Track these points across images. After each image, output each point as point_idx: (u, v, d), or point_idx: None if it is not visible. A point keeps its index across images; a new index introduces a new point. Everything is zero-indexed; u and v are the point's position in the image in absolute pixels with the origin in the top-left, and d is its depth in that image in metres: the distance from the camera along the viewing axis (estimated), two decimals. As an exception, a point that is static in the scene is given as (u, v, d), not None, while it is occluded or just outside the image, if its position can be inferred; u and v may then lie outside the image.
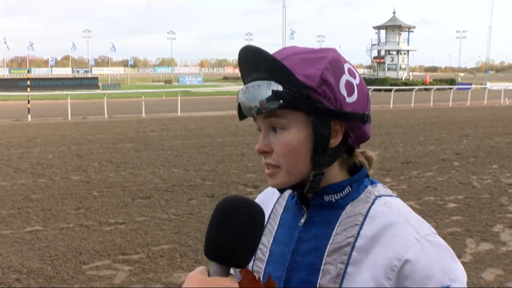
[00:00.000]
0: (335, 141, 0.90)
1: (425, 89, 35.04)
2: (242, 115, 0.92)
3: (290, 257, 0.93)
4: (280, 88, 0.86)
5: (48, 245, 5.09)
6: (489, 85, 42.51)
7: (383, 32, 58.67)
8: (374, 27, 59.92)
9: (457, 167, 9.28)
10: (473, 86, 40.09)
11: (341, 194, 0.92)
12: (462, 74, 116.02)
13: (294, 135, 0.88)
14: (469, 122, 17.84)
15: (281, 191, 0.99)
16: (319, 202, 0.93)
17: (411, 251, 0.81)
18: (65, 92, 22.82)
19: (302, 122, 0.88)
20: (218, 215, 0.81)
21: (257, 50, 0.89)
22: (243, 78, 0.94)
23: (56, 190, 7.41)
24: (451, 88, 33.12)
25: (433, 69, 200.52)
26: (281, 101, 0.86)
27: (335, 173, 0.93)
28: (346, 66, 0.90)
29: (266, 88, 0.86)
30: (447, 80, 52.55)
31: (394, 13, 57.44)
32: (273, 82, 0.86)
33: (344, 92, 0.89)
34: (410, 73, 63.94)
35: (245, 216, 0.80)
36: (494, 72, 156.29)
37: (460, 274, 0.83)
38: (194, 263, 4.67)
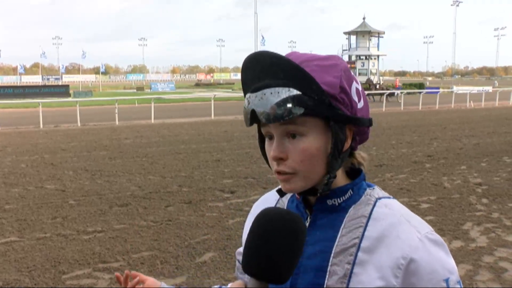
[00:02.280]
0: (346, 145, 0.93)
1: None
2: (252, 121, 0.91)
3: None
4: (300, 95, 0.86)
5: (25, 256, 5.02)
6: (455, 89, 43.74)
7: (353, 37, 59.62)
8: (344, 33, 60.78)
9: (428, 169, 9.55)
10: (441, 90, 41.16)
11: (343, 197, 0.95)
12: (430, 78, 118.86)
13: (312, 142, 0.89)
14: (438, 125, 18.34)
15: (281, 195, 1.01)
16: (322, 206, 0.95)
17: (415, 250, 0.86)
18: (36, 100, 22.33)
19: (320, 128, 0.90)
20: (259, 230, 0.79)
21: (275, 56, 0.88)
22: (248, 84, 0.92)
23: (31, 199, 7.29)
24: (420, 92, 33.92)
25: (402, 73, 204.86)
26: (304, 108, 0.86)
27: (339, 176, 0.96)
28: (352, 74, 0.94)
29: (287, 95, 0.85)
30: (416, 84, 53.68)
31: (364, 18, 58.47)
32: (292, 89, 0.86)
33: (355, 98, 0.93)
34: (381, 78, 65.16)
35: (288, 232, 0.78)
36: (459, 76, 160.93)
37: (454, 266, 0.91)
38: (175, 269, 4.69)
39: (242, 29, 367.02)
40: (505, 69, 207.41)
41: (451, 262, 0.90)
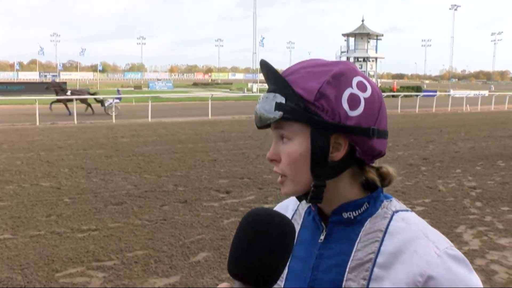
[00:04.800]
0: (338, 154, 0.90)
1: (393, 96, 35.78)
2: (256, 123, 0.98)
3: (310, 274, 0.93)
4: (283, 100, 0.90)
5: (18, 254, 5.01)
6: (452, 92, 43.89)
7: (352, 39, 59.76)
8: (343, 35, 60.90)
9: (424, 172, 9.59)
10: (438, 93, 41.24)
11: (359, 211, 0.93)
12: (427, 82, 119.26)
13: (297, 146, 0.91)
14: (434, 128, 18.39)
15: (299, 199, 1.01)
16: (337, 219, 0.94)
17: (433, 267, 0.83)
18: (33, 97, 22.24)
19: (304, 134, 0.90)
20: (246, 230, 0.77)
21: (266, 65, 0.94)
22: None
23: (26, 197, 7.28)
24: (417, 95, 33.99)
25: (400, 76, 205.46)
26: (282, 112, 0.90)
27: (346, 187, 0.94)
28: (355, 80, 0.90)
29: (272, 100, 0.91)
30: (413, 87, 53.81)
31: (363, 21, 58.61)
32: (278, 95, 0.91)
33: (345, 105, 0.89)
34: (378, 80, 65.35)
35: (277, 233, 0.76)
36: (456, 80, 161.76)
37: (477, 283, 0.85)
38: (169, 268, 4.69)
39: (243, 30, 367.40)
40: (501, 74, 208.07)
41: (474, 279, 0.85)
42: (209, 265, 4.76)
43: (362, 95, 0.90)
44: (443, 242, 0.87)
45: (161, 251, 5.11)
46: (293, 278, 0.96)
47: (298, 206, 1.07)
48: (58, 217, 6.29)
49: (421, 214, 6.57)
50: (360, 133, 0.89)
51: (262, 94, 0.96)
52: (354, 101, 0.89)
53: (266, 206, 6.95)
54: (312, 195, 0.91)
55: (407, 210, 0.93)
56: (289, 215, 1.03)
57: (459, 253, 0.86)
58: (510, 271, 4.72)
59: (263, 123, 0.94)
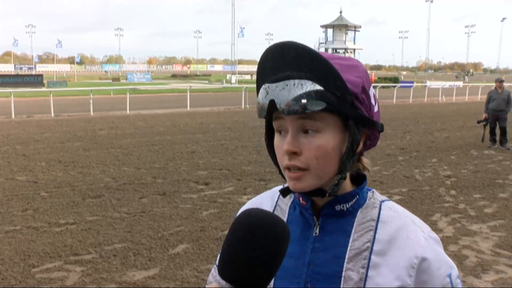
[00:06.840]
0: (359, 147, 0.93)
1: (371, 87, 36.11)
2: (268, 112, 0.88)
3: (306, 269, 0.93)
4: (323, 89, 0.84)
5: (-7, 249, 4.93)
6: (428, 83, 44.58)
7: (330, 31, 60.03)
8: (321, 26, 61.15)
9: (401, 162, 9.75)
10: (415, 84, 41.83)
11: (351, 202, 0.95)
12: (404, 73, 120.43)
13: (329, 139, 0.87)
14: (411, 118, 18.67)
15: (284, 195, 0.98)
16: (330, 211, 0.95)
17: (425, 249, 0.90)
18: (8, 90, 21.75)
19: (337, 126, 0.88)
20: (239, 232, 0.74)
21: (302, 47, 0.85)
22: (266, 74, 0.90)
23: (1, 191, 7.15)
24: (394, 86, 34.40)
25: (378, 67, 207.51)
26: (326, 103, 0.84)
27: (347, 181, 0.96)
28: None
29: (310, 88, 0.83)
30: (391, 78, 54.35)
31: (340, 12, 58.89)
32: (315, 83, 0.84)
33: (373, 100, 0.93)
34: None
35: (271, 235, 0.74)
36: (432, 71, 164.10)
37: (452, 261, 0.95)
38: (147, 261, 4.69)
39: (222, 22, 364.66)
40: (475, 65, 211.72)
41: (449, 258, 0.95)
42: (188, 257, 4.77)
43: (374, 93, 0.96)
44: (425, 226, 0.95)
45: (140, 244, 5.10)
46: (284, 276, 0.93)
47: (277, 202, 1.04)
48: (35, 211, 6.20)
49: (398, 203, 6.60)
50: (377, 128, 0.95)
51: (287, 81, 0.85)
52: (374, 98, 0.95)
53: (245, 197, 6.99)
54: (335, 188, 0.90)
55: (388, 200, 0.99)
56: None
57: (436, 235, 0.96)
58: (479, 255, 4.91)
59: (297, 113, 0.84)
